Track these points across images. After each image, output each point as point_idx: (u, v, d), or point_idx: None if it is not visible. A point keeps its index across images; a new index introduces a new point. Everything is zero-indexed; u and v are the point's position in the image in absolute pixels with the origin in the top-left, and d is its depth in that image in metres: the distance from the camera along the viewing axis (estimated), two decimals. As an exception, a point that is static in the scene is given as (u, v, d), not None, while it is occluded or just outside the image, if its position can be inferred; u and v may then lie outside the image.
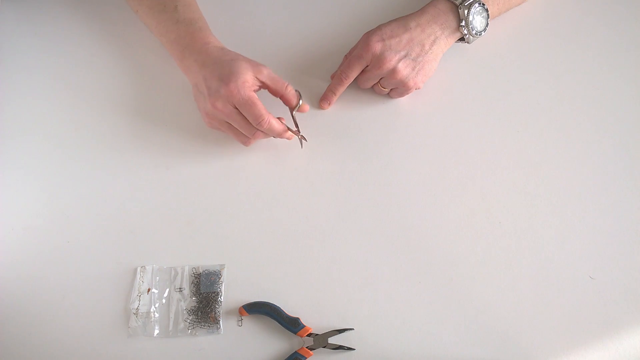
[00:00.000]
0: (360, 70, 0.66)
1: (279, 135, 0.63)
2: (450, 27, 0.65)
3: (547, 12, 0.74)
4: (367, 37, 0.64)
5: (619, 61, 0.71)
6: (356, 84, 0.68)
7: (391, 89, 0.68)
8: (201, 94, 0.62)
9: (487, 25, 0.66)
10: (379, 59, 0.63)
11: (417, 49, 0.64)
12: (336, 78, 0.68)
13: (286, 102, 0.64)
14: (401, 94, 0.68)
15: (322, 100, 0.69)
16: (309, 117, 0.69)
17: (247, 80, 0.59)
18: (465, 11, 0.64)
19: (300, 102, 0.64)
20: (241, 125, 0.61)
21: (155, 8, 0.68)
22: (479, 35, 0.66)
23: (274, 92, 0.63)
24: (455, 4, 0.65)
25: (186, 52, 0.64)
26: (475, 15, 0.65)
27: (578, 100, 0.69)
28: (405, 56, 0.64)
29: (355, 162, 0.67)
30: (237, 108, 0.60)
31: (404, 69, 0.64)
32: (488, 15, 0.66)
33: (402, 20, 0.65)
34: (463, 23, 0.64)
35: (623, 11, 0.74)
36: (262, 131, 0.62)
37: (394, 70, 0.63)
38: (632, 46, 0.72)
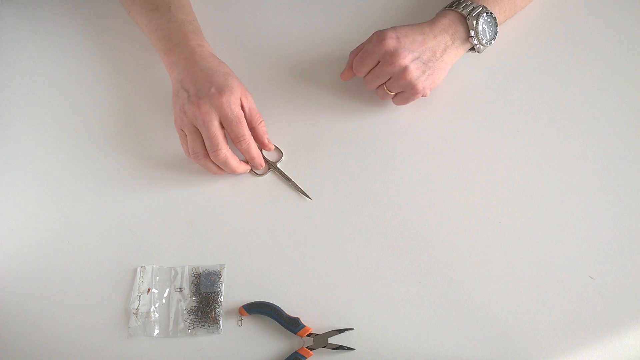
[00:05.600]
0: (372, 65, 0.64)
1: (234, 168, 0.62)
2: (460, 38, 0.64)
3: (548, 14, 0.74)
4: (381, 32, 0.63)
5: (620, 62, 0.71)
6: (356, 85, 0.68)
7: (396, 94, 0.65)
8: (185, 92, 0.61)
9: (496, 33, 0.66)
10: (392, 56, 0.61)
11: (428, 54, 0.63)
12: (346, 72, 0.67)
13: (255, 135, 0.63)
14: (406, 100, 0.65)
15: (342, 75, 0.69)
16: (310, 122, 0.69)
17: (238, 99, 0.60)
18: (474, 21, 0.63)
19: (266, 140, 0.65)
20: (205, 139, 0.60)
21: (147, 7, 0.68)
22: (489, 44, 0.66)
23: (247, 122, 0.62)
24: (463, 15, 0.64)
25: (176, 49, 0.64)
26: (484, 25, 0.64)
27: (578, 100, 0.69)
28: (417, 58, 0.62)
29: (354, 162, 0.67)
30: (218, 122, 0.60)
31: (415, 70, 0.62)
32: (496, 23, 0.65)
33: (415, 25, 0.64)
34: (472, 33, 0.64)
35: (624, 13, 0.74)
36: (222, 155, 0.60)
37: (405, 70, 0.61)
38: (634, 48, 0.72)
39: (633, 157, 0.66)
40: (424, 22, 0.65)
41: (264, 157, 0.66)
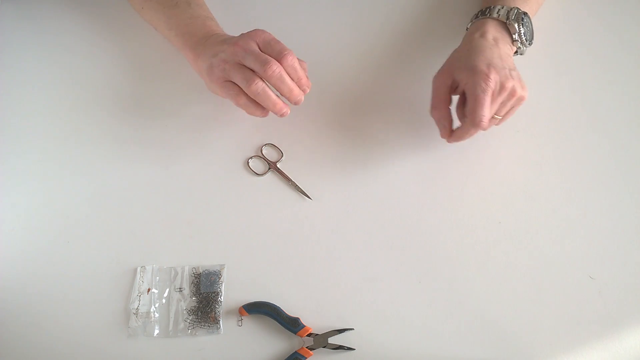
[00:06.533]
0: (499, 103, 0.58)
1: (289, 90, 0.58)
2: (507, 43, 0.62)
3: (549, 13, 0.74)
4: (471, 66, 0.58)
5: (620, 62, 0.71)
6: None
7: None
8: (220, 53, 0.58)
9: (533, 32, 0.64)
10: (501, 84, 0.57)
11: (509, 62, 0.60)
12: (447, 134, 0.62)
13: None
14: (511, 114, 0.62)
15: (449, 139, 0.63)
16: (310, 122, 0.69)
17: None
18: (515, 25, 0.62)
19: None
20: (252, 62, 0.56)
21: (165, 4, 0.67)
22: (530, 44, 0.64)
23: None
24: (502, 21, 0.62)
25: (202, 43, 0.62)
26: (524, 27, 0.62)
27: (578, 100, 0.69)
28: (510, 69, 0.59)
29: (354, 161, 0.67)
30: (257, 46, 0.57)
31: (517, 82, 0.59)
32: (531, 22, 0.64)
33: (474, 47, 0.60)
34: (517, 37, 0.62)
35: (625, 12, 0.74)
36: (273, 66, 0.56)
37: (514, 89, 0.58)
38: (634, 47, 0.72)
39: (633, 157, 0.66)
40: (471, 38, 0.62)
41: (264, 158, 0.67)
